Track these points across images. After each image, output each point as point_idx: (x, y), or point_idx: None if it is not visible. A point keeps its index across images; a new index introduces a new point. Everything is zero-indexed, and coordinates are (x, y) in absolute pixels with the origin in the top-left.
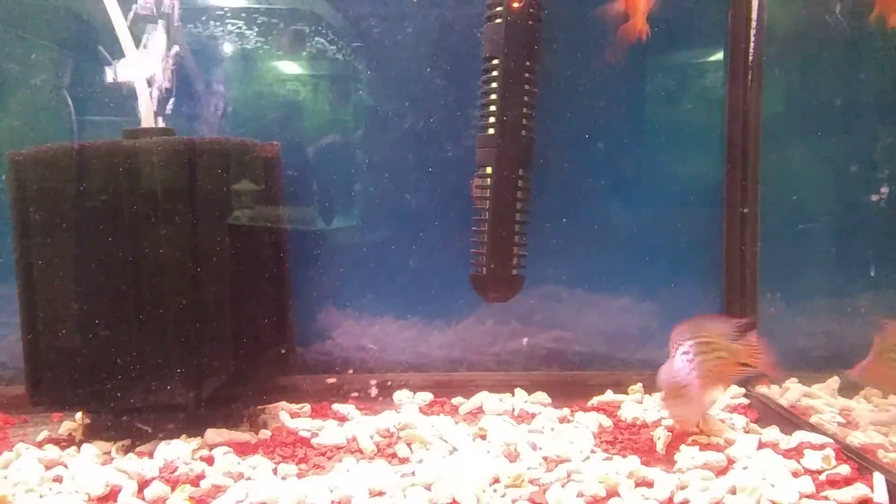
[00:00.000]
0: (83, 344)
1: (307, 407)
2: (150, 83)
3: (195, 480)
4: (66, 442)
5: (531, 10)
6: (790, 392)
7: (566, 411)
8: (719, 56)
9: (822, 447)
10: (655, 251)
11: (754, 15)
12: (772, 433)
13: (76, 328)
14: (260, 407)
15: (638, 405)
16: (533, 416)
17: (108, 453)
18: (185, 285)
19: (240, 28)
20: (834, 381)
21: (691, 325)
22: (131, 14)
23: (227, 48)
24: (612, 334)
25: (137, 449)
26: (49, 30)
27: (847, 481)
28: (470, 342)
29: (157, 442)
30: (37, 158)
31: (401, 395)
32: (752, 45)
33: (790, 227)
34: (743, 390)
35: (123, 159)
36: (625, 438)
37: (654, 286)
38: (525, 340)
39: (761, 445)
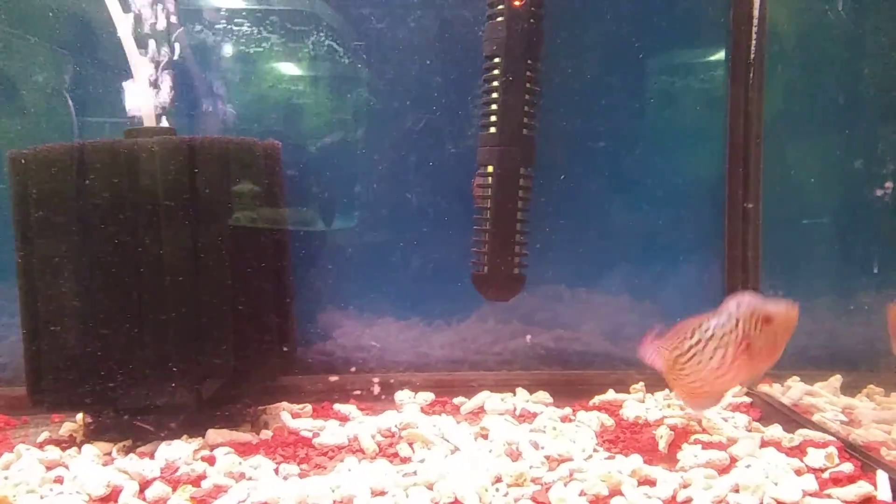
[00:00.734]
0: (84, 344)
1: (308, 407)
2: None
3: (196, 481)
4: (66, 443)
5: (533, 8)
6: (792, 390)
7: (568, 410)
8: (721, 55)
9: (824, 445)
10: (657, 249)
11: (756, 12)
12: (774, 431)
13: (77, 329)
14: (261, 407)
15: (640, 404)
16: (535, 415)
17: (109, 454)
18: (186, 285)
19: (240, 28)
20: (836, 380)
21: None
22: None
23: (227, 49)
24: (613, 333)
25: (138, 449)
26: (50, 30)
27: (850, 479)
28: (471, 342)
29: (158, 442)
30: (37, 158)
31: (402, 395)
32: (753, 42)
33: (793, 225)
34: (745, 389)
35: (124, 158)
36: (627, 437)
37: (656, 284)
38: (528, 338)
39: (764, 444)
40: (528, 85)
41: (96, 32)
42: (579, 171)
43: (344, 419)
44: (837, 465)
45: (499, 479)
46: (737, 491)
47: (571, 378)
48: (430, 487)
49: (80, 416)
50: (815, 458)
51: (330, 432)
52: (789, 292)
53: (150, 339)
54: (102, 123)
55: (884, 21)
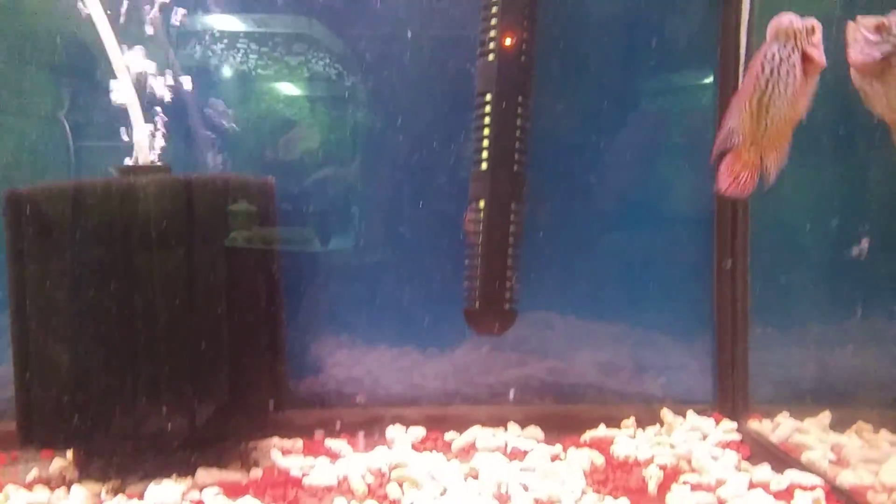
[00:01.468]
0: (75, 383)
1: (299, 443)
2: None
3: None
4: (56, 481)
5: (523, 48)
6: (781, 427)
7: (558, 448)
8: (710, 79)
9: (812, 488)
10: (647, 279)
11: (743, 48)
12: (763, 472)
13: (69, 366)
14: (252, 444)
15: (630, 440)
16: (525, 452)
17: (98, 495)
18: (180, 325)
19: (233, 55)
20: (825, 416)
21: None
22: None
23: (220, 74)
24: (605, 365)
25: (128, 490)
26: (46, 57)
27: None
28: (464, 372)
29: (148, 482)
30: (33, 197)
31: (393, 432)
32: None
33: (781, 254)
34: (735, 425)
35: (119, 198)
36: (616, 478)
37: (646, 315)
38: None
39: (752, 485)
40: (518, 122)
41: (94, 56)
42: (569, 202)
43: (335, 456)
44: None
45: None
46: None
47: (563, 412)
48: None
49: (69, 453)
50: (803, 501)
51: (320, 472)
52: (778, 323)
53: (142, 378)
54: (99, 147)
55: None
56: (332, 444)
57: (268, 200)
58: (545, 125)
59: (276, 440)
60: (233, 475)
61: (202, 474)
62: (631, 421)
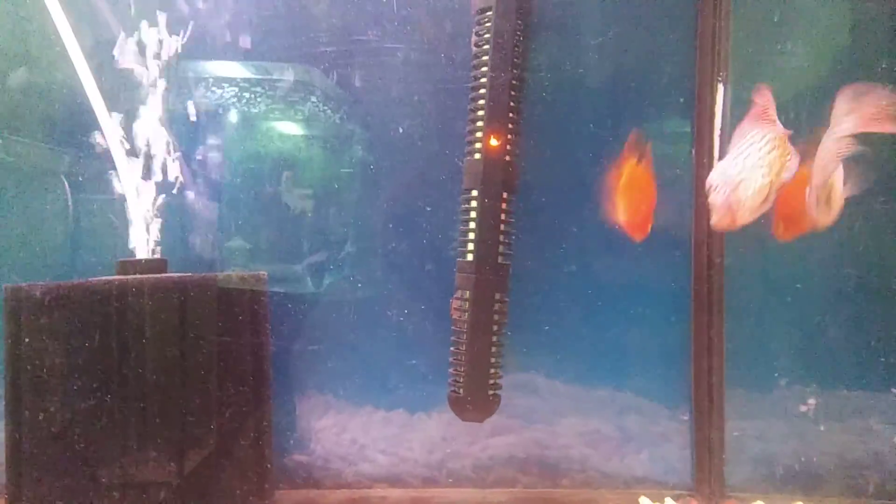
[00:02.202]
0: (66, 465)
1: None
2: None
3: None
4: None
5: (508, 147)
6: None
7: None
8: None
9: None
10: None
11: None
12: None
13: (61, 444)
14: None
15: None
16: None
17: None
18: (170, 415)
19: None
20: None
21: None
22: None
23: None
24: (589, 437)
25: None
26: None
27: None
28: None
29: None
30: (31, 294)
31: None
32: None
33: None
34: None
35: (114, 298)
36: None
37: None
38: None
39: None
40: (503, 216)
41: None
42: (552, 286)
43: None
44: None
45: None
46: None
47: (546, 495)
48: None
49: None
50: None
51: None
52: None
53: (131, 470)
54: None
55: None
56: None
57: (260, 295)
58: (524, 213)
59: None
60: None
61: None
62: None
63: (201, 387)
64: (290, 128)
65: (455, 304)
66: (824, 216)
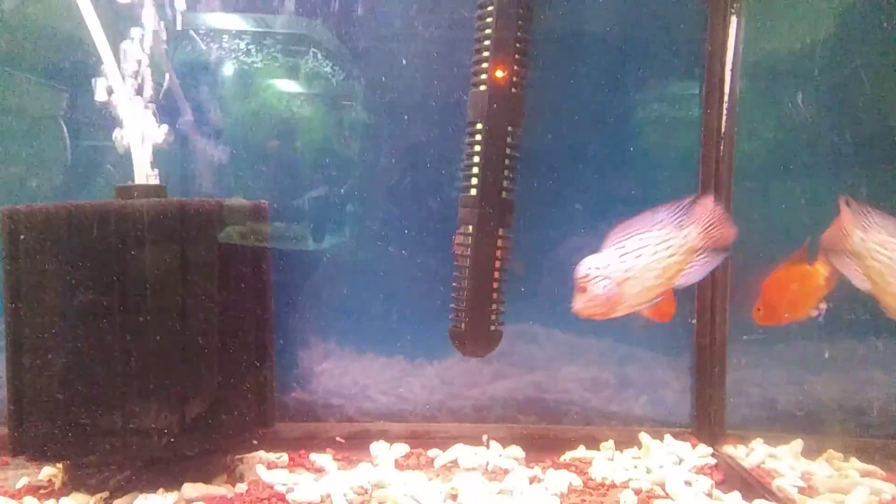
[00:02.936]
0: (66, 397)
1: (284, 457)
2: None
3: None
4: (45, 488)
5: (515, 79)
6: (755, 453)
7: (537, 470)
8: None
9: None
10: None
11: (727, 88)
12: (733, 500)
13: (59, 382)
14: (238, 457)
15: (608, 462)
16: (506, 471)
17: None
18: (172, 339)
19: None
20: (797, 444)
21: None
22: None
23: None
24: (589, 381)
25: (115, 502)
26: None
27: None
28: (450, 385)
29: (135, 495)
30: (30, 215)
31: (377, 448)
32: (724, 112)
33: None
34: (710, 450)
35: (114, 221)
36: (592, 500)
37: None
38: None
39: None
40: (508, 150)
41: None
42: (557, 225)
43: (319, 471)
44: None
45: None
46: None
47: (546, 432)
48: None
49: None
50: None
51: (304, 488)
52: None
53: (132, 393)
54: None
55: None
56: (317, 458)
57: (261, 223)
58: (531, 152)
59: (261, 454)
60: (219, 490)
61: (188, 488)
62: (610, 443)
63: (203, 312)
64: (293, 68)
65: (458, 239)
66: None
